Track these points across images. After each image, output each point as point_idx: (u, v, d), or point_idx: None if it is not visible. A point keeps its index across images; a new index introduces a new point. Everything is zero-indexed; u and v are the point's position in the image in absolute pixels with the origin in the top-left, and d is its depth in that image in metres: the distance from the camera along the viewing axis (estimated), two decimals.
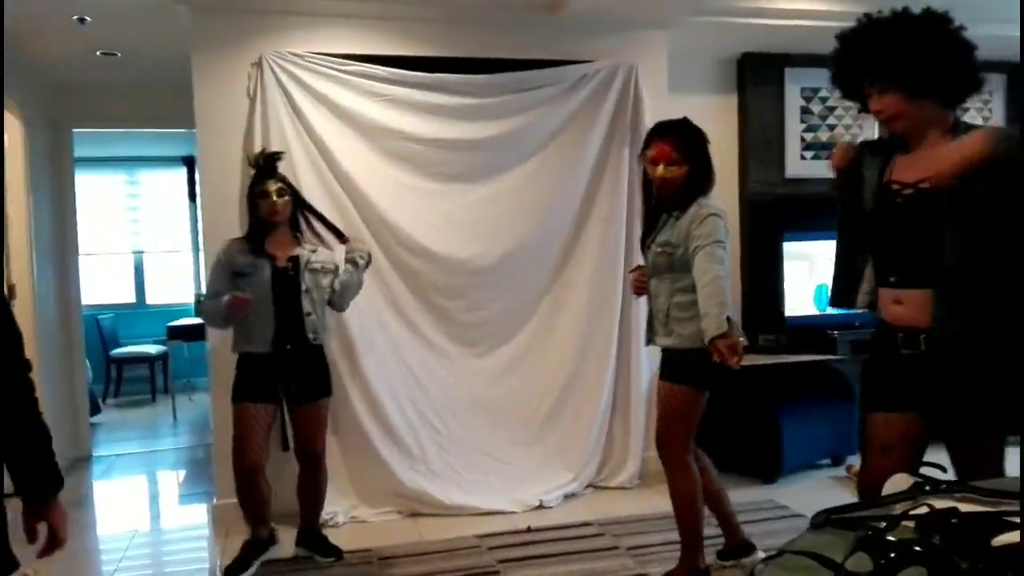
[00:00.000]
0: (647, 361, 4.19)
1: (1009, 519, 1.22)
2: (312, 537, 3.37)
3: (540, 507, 3.88)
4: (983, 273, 2.08)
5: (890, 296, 2.22)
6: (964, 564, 1.07)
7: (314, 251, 3.32)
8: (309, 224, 3.57)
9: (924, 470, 1.56)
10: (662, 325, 2.77)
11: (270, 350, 3.14)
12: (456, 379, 4.05)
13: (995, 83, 5.40)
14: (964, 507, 1.28)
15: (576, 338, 4.19)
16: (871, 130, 5.14)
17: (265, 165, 3.28)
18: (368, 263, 3.48)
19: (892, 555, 1.07)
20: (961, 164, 2.00)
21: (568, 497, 4.00)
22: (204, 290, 3.43)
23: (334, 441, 3.76)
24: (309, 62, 3.79)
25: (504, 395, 4.12)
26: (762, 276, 4.90)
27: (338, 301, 3.38)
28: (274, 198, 3.20)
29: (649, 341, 2.92)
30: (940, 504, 1.29)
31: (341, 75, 3.83)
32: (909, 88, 2.11)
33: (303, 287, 3.19)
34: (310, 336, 3.20)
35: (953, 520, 1.18)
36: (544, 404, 4.18)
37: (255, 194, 3.24)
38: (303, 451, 3.31)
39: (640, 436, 4.21)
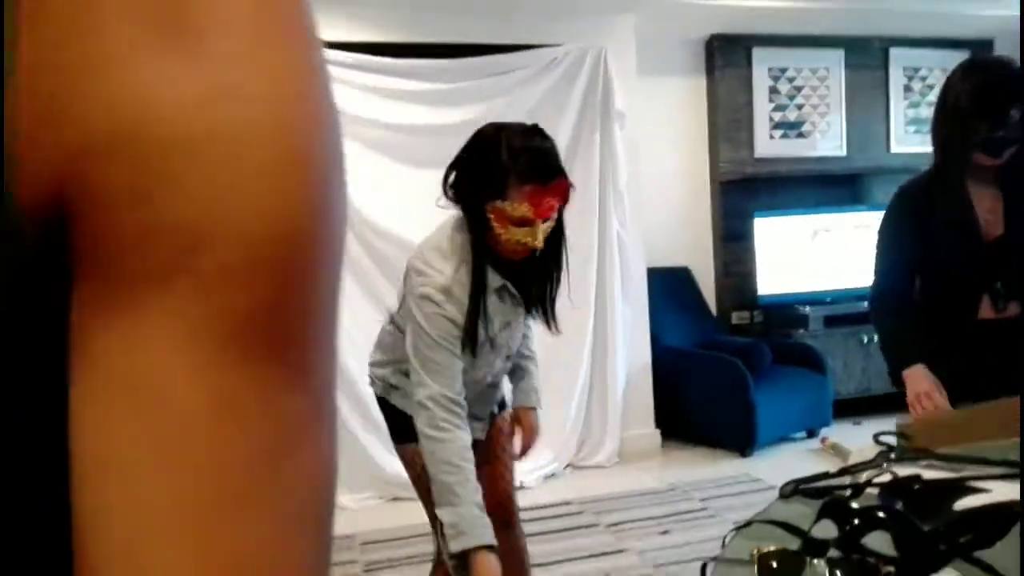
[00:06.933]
0: (624, 343, 4.24)
1: (971, 484, 1.27)
2: None
3: (520, 488, 3.92)
4: None
5: None
6: (927, 527, 1.12)
7: None
8: None
9: (887, 438, 1.62)
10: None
11: None
12: None
13: None
14: (928, 474, 1.33)
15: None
16: (841, 111, 5.21)
17: None
18: None
19: (856, 521, 1.11)
20: None
21: (548, 477, 4.05)
22: None
23: None
24: None
25: None
26: (735, 256, 4.97)
27: None
28: None
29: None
30: (905, 472, 1.34)
31: None
32: None
33: None
34: None
35: (916, 487, 1.23)
36: None
37: None
38: None
39: (618, 415, 4.27)
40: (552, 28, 4.22)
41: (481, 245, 1.74)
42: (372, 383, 2.00)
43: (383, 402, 1.96)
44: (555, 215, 1.76)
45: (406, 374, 1.87)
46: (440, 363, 1.70)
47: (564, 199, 1.76)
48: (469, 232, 1.75)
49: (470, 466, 1.69)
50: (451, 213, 1.83)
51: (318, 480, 0.32)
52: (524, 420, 2.14)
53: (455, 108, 4.04)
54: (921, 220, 2.13)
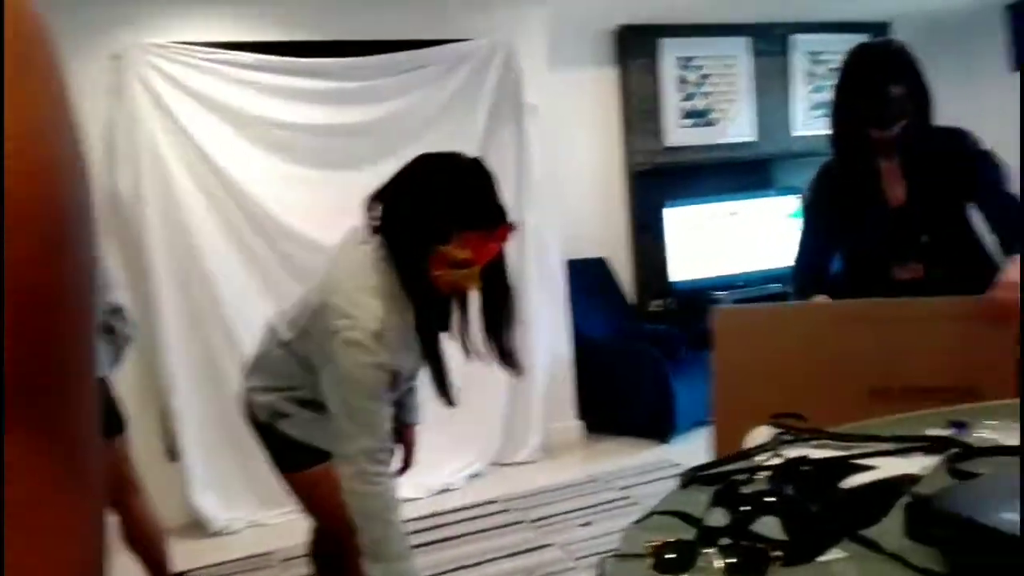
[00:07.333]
0: (544, 337, 4.23)
1: (858, 462, 1.29)
2: None
3: (445, 491, 3.88)
4: None
5: None
6: (814, 508, 1.12)
7: None
8: None
9: (785, 420, 1.63)
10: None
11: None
12: None
13: None
14: (816, 454, 1.35)
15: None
16: (748, 97, 5.31)
17: None
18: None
19: (745, 507, 1.11)
20: None
21: (473, 477, 4.02)
22: None
23: (225, 443, 3.64)
24: (173, 53, 3.62)
25: None
26: (649, 245, 5.02)
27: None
28: None
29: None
30: (794, 453, 1.34)
31: (207, 64, 3.67)
32: None
33: None
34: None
35: (804, 468, 1.24)
36: None
37: None
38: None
39: (540, 410, 4.26)
40: (461, 22, 4.17)
41: (417, 287, 1.63)
42: (251, 409, 1.84)
43: (267, 429, 1.83)
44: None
45: (301, 402, 1.78)
46: (371, 413, 1.62)
47: (506, 241, 1.68)
48: (399, 270, 1.63)
49: (398, 517, 1.66)
50: (360, 228, 1.70)
51: (76, 540, 0.30)
52: (406, 435, 2.08)
53: (362, 107, 3.96)
54: (834, 195, 2.25)
